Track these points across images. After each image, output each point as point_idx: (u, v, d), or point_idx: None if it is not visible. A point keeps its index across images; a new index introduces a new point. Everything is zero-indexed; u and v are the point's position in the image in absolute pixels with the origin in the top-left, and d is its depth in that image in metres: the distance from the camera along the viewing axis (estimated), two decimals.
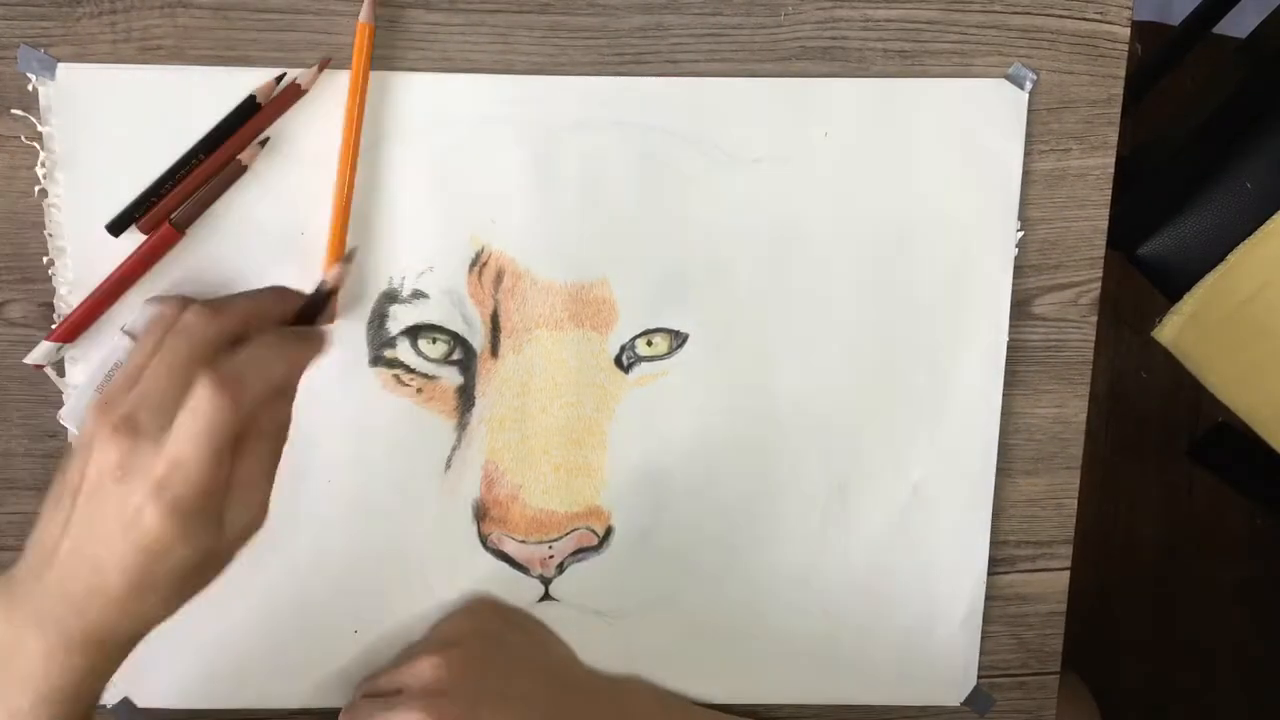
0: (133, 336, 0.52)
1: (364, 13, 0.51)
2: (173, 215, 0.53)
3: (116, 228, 0.53)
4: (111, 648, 0.46)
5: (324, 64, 0.52)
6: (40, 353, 0.53)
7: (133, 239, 0.53)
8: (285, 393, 0.49)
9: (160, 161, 0.53)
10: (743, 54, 0.55)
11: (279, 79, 0.52)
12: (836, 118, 0.55)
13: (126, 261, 0.53)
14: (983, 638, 0.62)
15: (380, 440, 0.57)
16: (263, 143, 0.53)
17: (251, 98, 0.52)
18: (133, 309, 0.53)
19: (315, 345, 0.49)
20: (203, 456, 0.44)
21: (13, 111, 0.53)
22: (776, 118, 0.55)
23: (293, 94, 0.52)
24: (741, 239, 0.56)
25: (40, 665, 0.45)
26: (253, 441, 0.47)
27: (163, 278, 0.54)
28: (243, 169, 0.53)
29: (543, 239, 0.55)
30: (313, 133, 0.53)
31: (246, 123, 0.52)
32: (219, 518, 0.45)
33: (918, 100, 0.55)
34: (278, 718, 0.60)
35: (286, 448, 0.49)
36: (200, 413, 0.44)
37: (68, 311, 0.54)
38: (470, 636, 0.57)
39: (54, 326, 0.54)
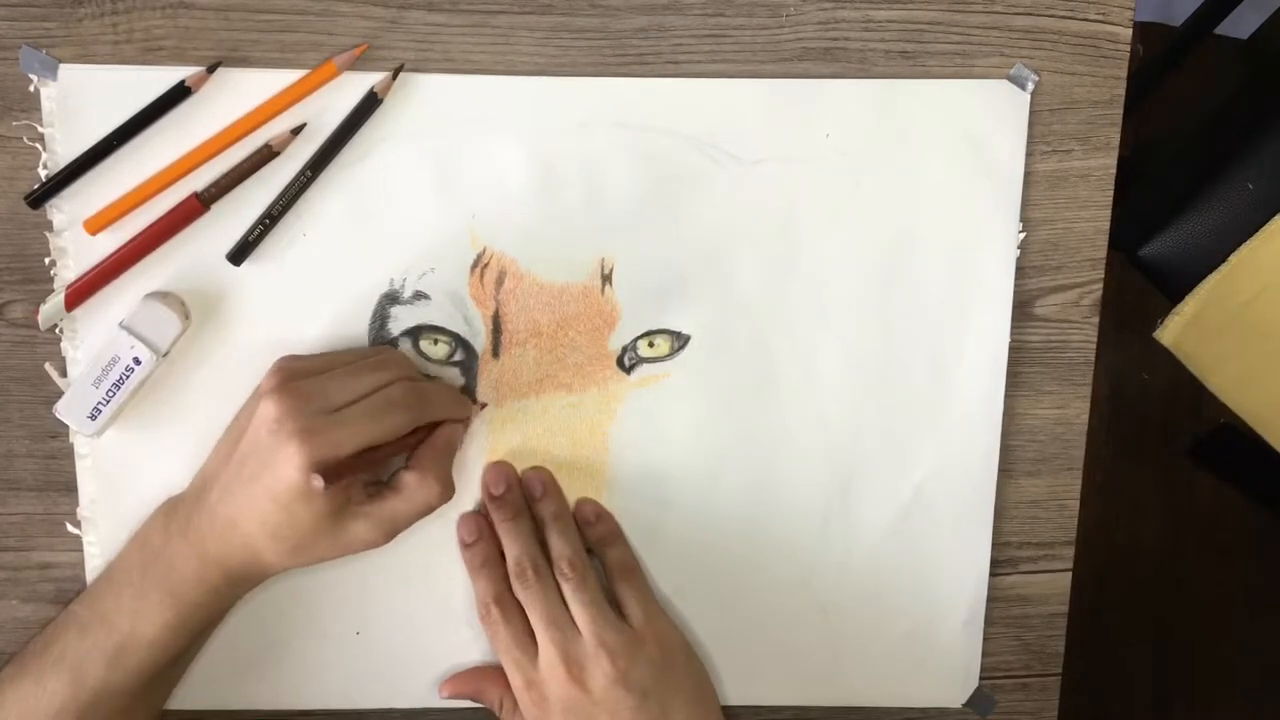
0: (131, 331, 0.52)
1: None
2: (200, 191, 0.53)
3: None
4: (239, 578, 0.52)
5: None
6: (50, 310, 0.53)
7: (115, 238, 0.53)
8: (451, 445, 0.55)
9: (162, 162, 0.53)
10: (744, 55, 0.55)
11: (212, 68, 0.52)
12: (838, 119, 0.55)
13: (149, 228, 0.53)
14: (984, 639, 0.62)
15: None
16: (296, 131, 0.53)
17: (181, 84, 0.52)
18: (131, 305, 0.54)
19: (470, 411, 0.57)
20: (362, 439, 0.50)
21: (21, 104, 0.53)
22: (778, 119, 0.55)
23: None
24: (743, 240, 0.56)
25: (178, 571, 0.51)
26: (406, 482, 0.52)
27: (167, 265, 0.54)
28: (273, 154, 0.53)
29: (544, 240, 0.55)
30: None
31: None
32: (341, 511, 0.50)
33: (919, 101, 0.55)
34: (279, 718, 0.60)
35: None
36: (387, 401, 0.50)
37: (69, 313, 0.54)
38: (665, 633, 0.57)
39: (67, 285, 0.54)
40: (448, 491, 0.54)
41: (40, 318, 0.54)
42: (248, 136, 0.53)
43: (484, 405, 0.57)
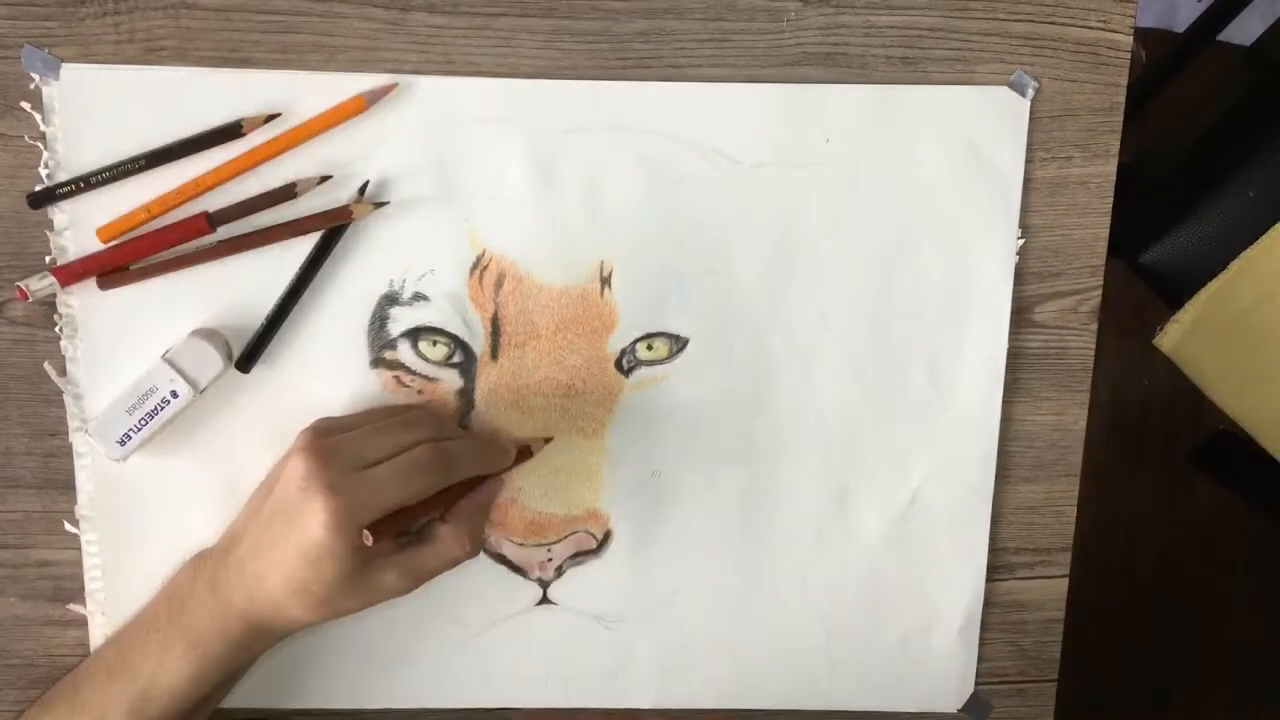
0: (173, 365, 0.53)
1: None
2: (211, 211, 0.53)
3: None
4: (262, 632, 0.52)
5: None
6: (37, 280, 0.53)
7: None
8: (489, 503, 0.56)
9: (175, 174, 0.53)
10: (745, 59, 0.55)
11: (269, 118, 0.53)
12: (838, 124, 0.55)
13: (150, 232, 0.53)
14: (981, 644, 0.62)
15: None
16: (324, 179, 0.53)
17: (237, 123, 0.53)
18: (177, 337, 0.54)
19: (508, 460, 0.56)
20: (389, 499, 0.49)
21: (23, 103, 0.53)
22: (778, 123, 0.55)
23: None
24: (742, 244, 0.56)
25: (203, 623, 0.52)
26: (440, 535, 0.53)
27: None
28: (294, 194, 0.53)
29: (544, 243, 0.55)
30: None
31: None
32: (367, 564, 0.50)
33: (919, 107, 0.55)
34: (279, 718, 0.60)
35: None
36: (414, 463, 0.50)
37: (69, 312, 0.54)
38: None
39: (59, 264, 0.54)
40: (477, 549, 0.55)
41: (28, 285, 0.53)
42: (268, 162, 0.53)
43: (532, 452, 0.57)
